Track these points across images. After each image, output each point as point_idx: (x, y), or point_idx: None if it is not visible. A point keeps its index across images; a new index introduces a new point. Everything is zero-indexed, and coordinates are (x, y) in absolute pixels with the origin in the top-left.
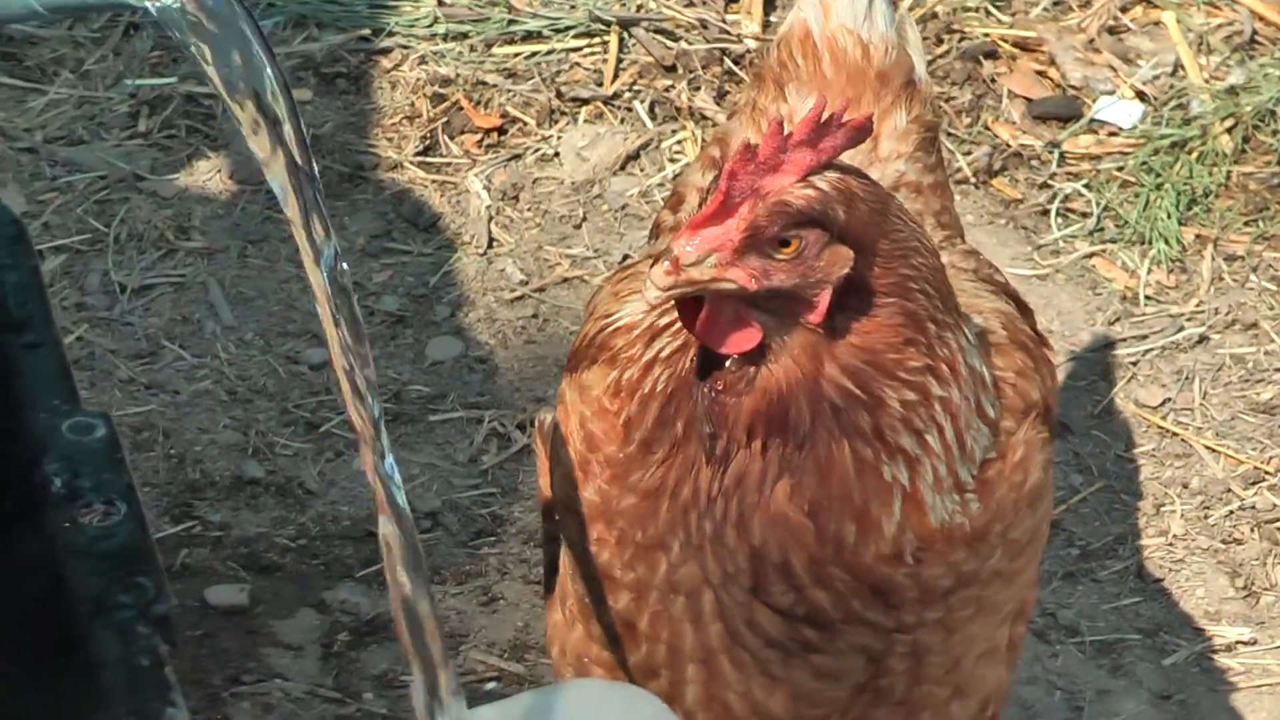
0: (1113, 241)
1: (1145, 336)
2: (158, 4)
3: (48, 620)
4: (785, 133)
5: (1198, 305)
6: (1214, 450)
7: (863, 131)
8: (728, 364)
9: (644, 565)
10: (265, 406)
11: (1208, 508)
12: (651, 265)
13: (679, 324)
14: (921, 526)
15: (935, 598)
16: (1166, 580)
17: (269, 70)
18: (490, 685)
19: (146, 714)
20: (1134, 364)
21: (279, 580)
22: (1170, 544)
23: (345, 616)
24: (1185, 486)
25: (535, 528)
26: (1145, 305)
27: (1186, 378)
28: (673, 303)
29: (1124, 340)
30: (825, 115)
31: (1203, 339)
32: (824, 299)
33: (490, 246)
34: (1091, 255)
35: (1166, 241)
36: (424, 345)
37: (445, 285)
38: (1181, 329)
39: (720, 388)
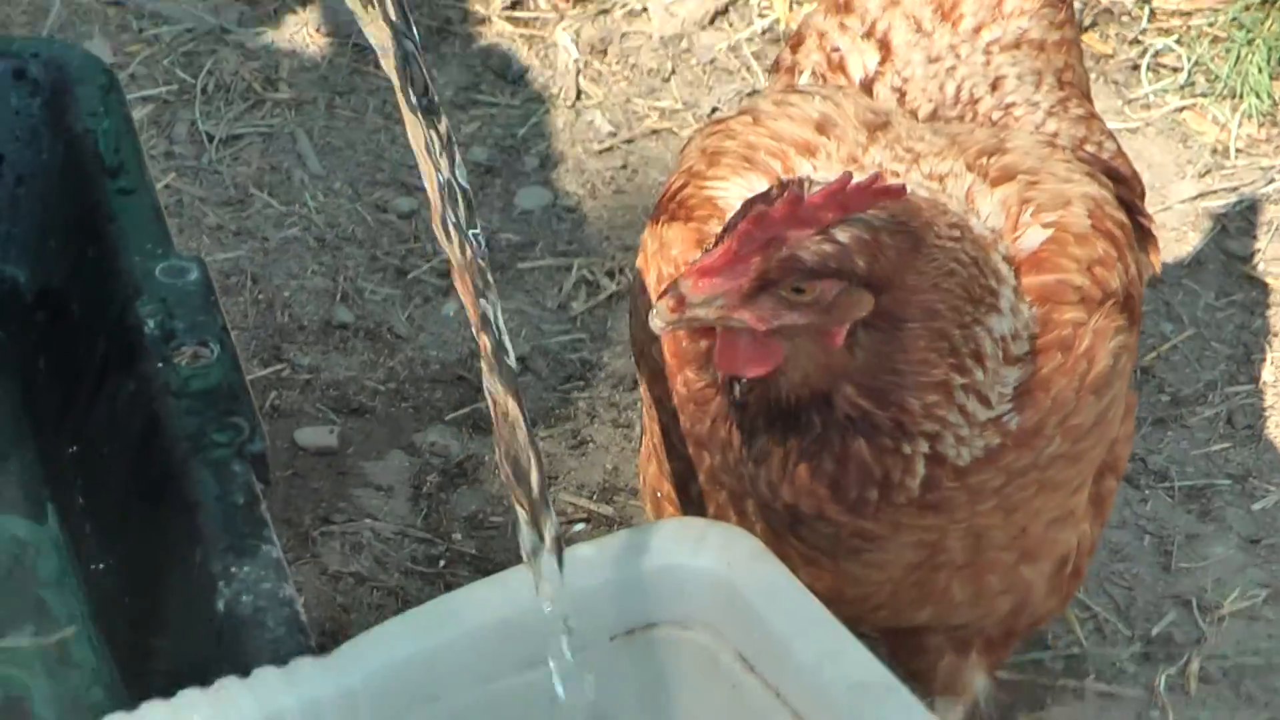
0: (1203, 96)
1: (1235, 189)
2: None
3: (145, 460)
4: (803, 199)
5: None
6: None
7: (894, 194)
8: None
9: (693, 450)
10: (354, 253)
11: None
12: (658, 297)
13: None
14: (952, 470)
15: (988, 496)
16: (1256, 426)
17: None
18: (579, 527)
19: (243, 550)
20: (1224, 216)
21: (369, 422)
22: (1260, 391)
23: (435, 459)
24: (1275, 335)
25: (624, 373)
26: (1236, 158)
27: (1276, 228)
28: None
29: (1214, 192)
30: (848, 186)
31: None
32: (841, 333)
33: (578, 99)
34: (1182, 109)
35: (1258, 95)
36: (513, 195)
37: (534, 137)
38: (1272, 181)
39: (738, 391)
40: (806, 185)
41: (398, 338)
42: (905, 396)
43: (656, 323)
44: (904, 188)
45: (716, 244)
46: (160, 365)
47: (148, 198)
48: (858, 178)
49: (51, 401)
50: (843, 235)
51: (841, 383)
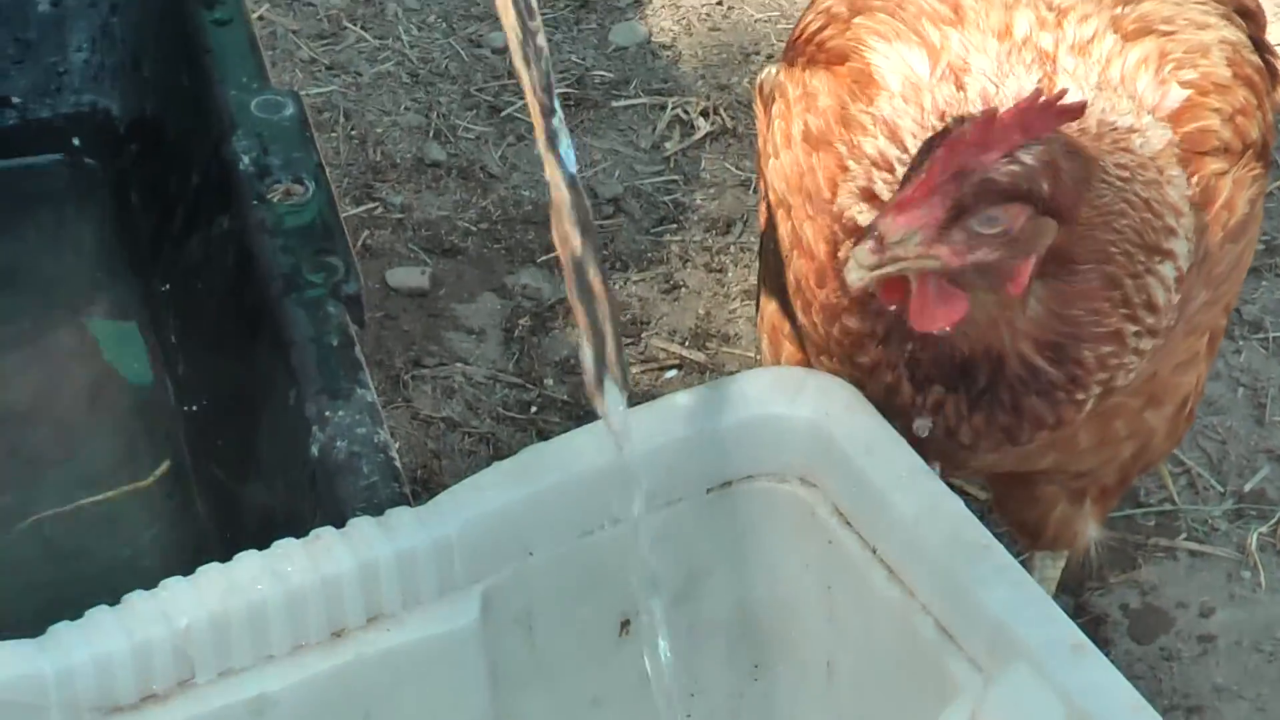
0: None
1: None
2: None
3: (239, 298)
4: (995, 118)
5: None
6: None
7: (1074, 114)
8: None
9: (838, 353)
10: (448, 89)
11: None
12: (855, 244)
13: None
14: (1115, 390)
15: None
16: None
17: None
18: (671, 373)
19: (337, 392)
20: None
21: (461, 263)
22: None
23: (527, 301)
24: None
25: (718, 216)
26: None
27: None
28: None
29: None
30: (1040, 101)
31: None
32: (1026, 270)
33: None
34: None
35: None
36: (607, 30)
37: None
38: None
39: (911, 347)
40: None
41: (491, 176)
42: (1081, 351)
43: (855, 274)
44: (1084, 105)
45: (906, 181)
46: (255, 202)
47: (243, 29)
48: (1042, 98)
49: (144, 235)
50: (1027, 157)
51: (1016, 340)
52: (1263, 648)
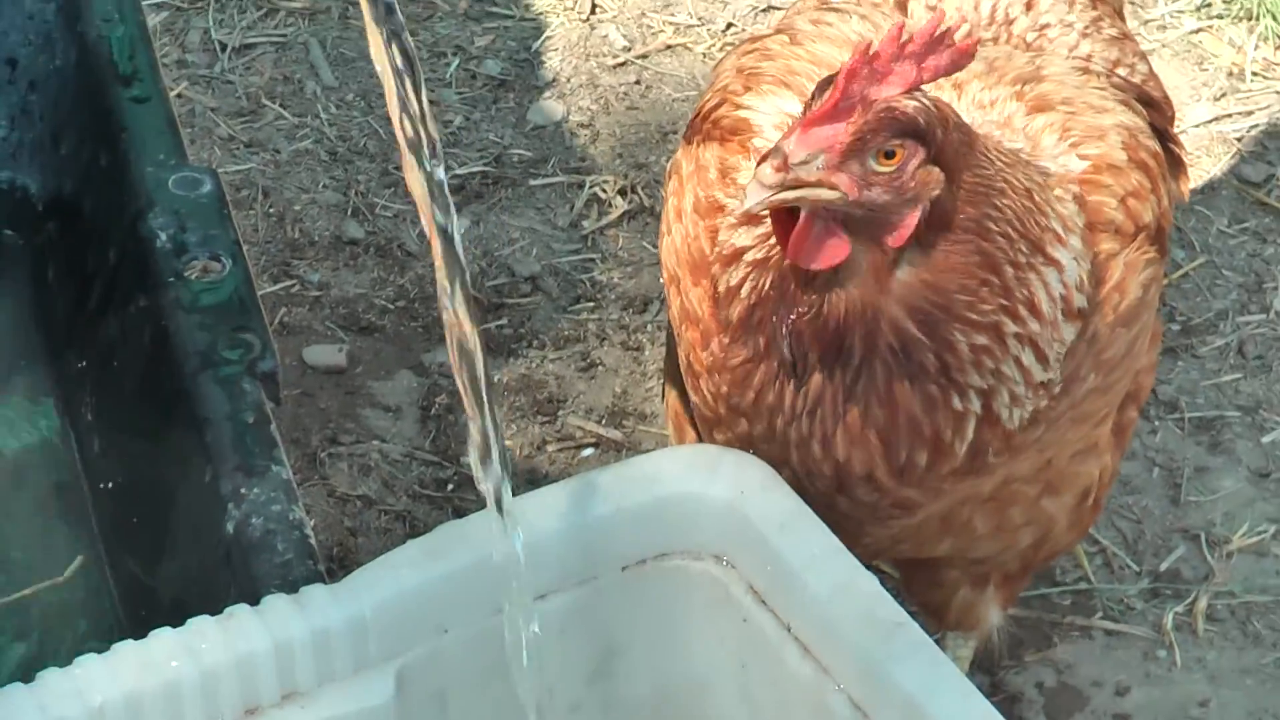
0: (1220, 17)
1: (1251, 113)
2: None
3: (155, 375)
4: (904, 39)
5: None
6: None
7: (966, 57)
8: (801, 289)
9: (725, 414)
10: (366, 167)
11: None
12: (758, 163)
13: (764, 233)
14: (1001, 434)
15: (1028, 449)
16: (1267, 357)
17: None
18: (588, 451)
19: (253, 469)
20: (1239, 140)
21: (378, 341)
22: (1271, 321)
23: (444, 379)
24: None
25: (635, 294)
26: (1252, 81)
27: None
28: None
29: (1229, 117)
30: (941, 30)
31: None
32: (910, 221)
33: (592, 13)
34: (1198, 31)
35: (1274, 17)
36: (525, 109)
37: (547, 50)
38: None
39: (794, 315)
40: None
41: (408, 254)
42: (952, 330)
43: (754, 194)
44: (976, 44)
45: (811, 102)
46: (172, 279)
47: (161, 107)
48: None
49: (61, 313)
50: (925, 99)
51: (889, 302)
52: None
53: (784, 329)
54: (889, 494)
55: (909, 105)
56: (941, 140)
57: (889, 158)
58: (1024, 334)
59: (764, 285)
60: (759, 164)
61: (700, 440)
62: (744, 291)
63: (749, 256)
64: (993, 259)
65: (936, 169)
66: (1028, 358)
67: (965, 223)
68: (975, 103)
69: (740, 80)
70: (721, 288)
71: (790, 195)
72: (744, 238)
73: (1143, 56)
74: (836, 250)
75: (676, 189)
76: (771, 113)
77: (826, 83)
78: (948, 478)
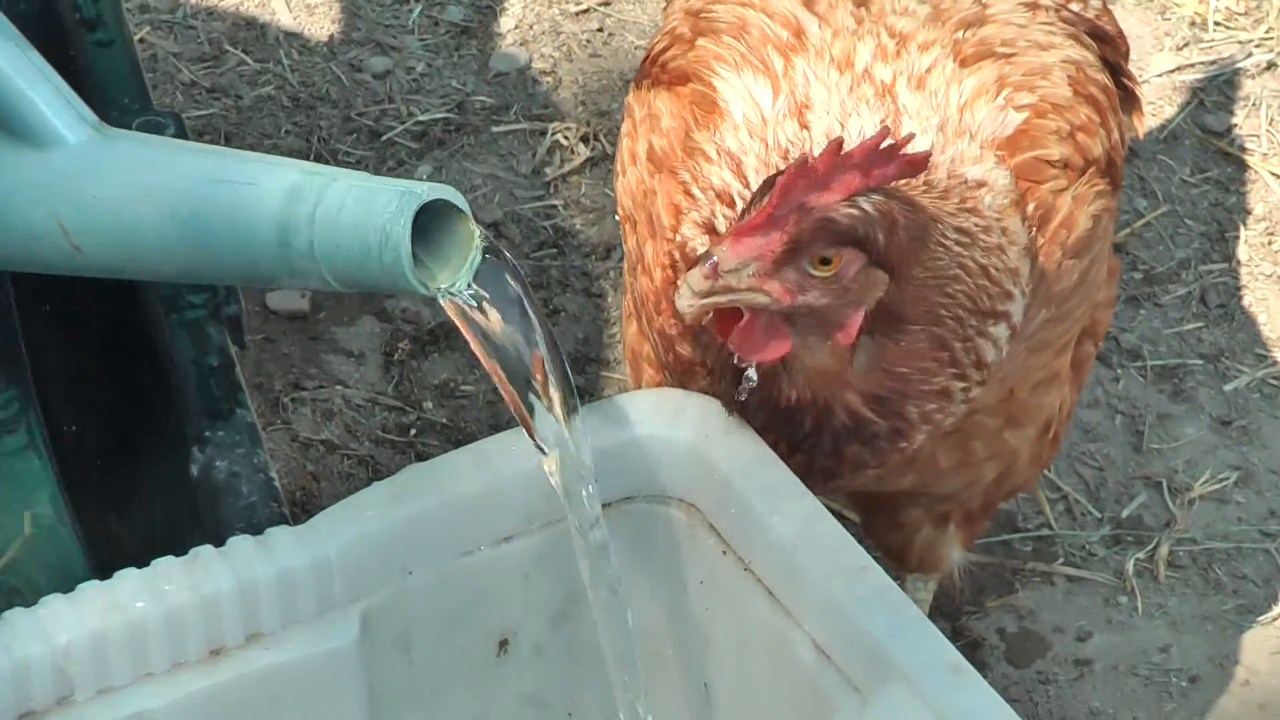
0: None
1: (1213, 62)
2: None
3: (120, 319)
4: (842, 151)
5: (1267, 32)
6: (1279, 177)
7: (918, 165)
8: (747, 371)
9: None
10: (328, 114)
11: (1271, 234)
12: (689, 269)
13: None
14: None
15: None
16: (1229, 305)
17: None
18: None
19: (218, 414)
20: (1201, 90)
21: None
22: (1233, 269)
23: (407, 325)
24: (1249, 213)
25: (597, 241)
26: (1214, 31)
27: (1254, 104)
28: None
29: (1192, 66)
30: (886, 143)
31: (1271, 65)
32: (855, 321)
33: None
34: None
35: None
36: (488, 56)
37: None
38: (1250, 55)
39: (740, 391)
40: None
41: None
42: (906, 406)
43: (685, 299)
44: (928, 156)
45: (745, 212)
46: None
47: (126, 51)
48: (886, 142)
49: None
50: (867, 204)
51: (843, 390)
52: (1139, 672)
53: (732, 390)
54: (842, 484)
55: (845, 215)
56: (884, 245)
57: (825, 264)
58: (970, 384)
59: (710, 339)
60: (690, 268)
61: (660, 378)
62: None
63: None
64: (944, 341)
65: (880, 272)
66: (974, 392)
67: (917, 315)
68: (912, 78)
69: (689, 24)
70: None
71: (723, 300)
72: (703, 245)
73: None
74: (780, 345)
75: (630, 131)
76: (740, 93)
77: (770, 183)
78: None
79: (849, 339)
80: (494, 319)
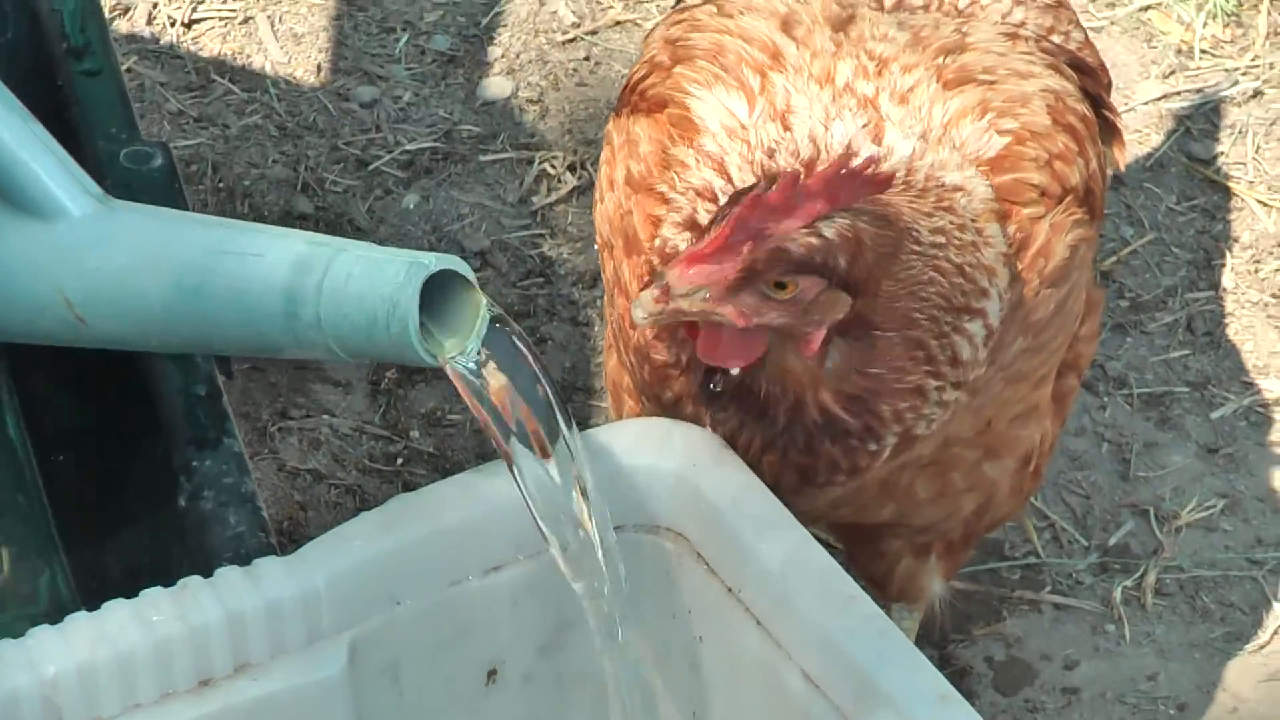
0: None
1: (1199, 90)
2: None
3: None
4: (800, 182)
5: (1253, 60)
6: (1266, 205)
7: (882, 187)
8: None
9: (649, 404)
10: (315, 142)
11: (1258, 261)
12: (642, 289)
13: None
14: (919, 439)
15: (958, 411)
16: (1215, 333)
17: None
18: None
19: (204, 443)
20: (1187, 118)
21: None
22: (1220, 297)
23: None
24: (1236, 240)
25: (584, 270)
26: (1200, 59)
27: (1240, 132)
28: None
29: (1178, 94)
30: (845, 169)
31: (1257, 94)
32: (817, 337)
33: None
34: (1147, 8)
35: None
36: (475, 85)
37: (496, 26)
38: (1236, 83)
39: (712, 384)
40: (799, 176)
41: (358, 230)
42: (879, 404)
43: (639, 314)
44: (892, 176)
45: (706, 232)
46: None
47: (113, 80)
48: (850, 164)
49: None
50: (828, 230)
51: (815, 389)
52: (1126, 700)
53: (708, 382)
54: (820, 490)
55: (802, 244)
56: (846, 268)
57: (782, 288)
58: (946, 383)
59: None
60: (642, 288)
61: (640, 409)
62: None
63: None
64: (919, 340)
65: (843, 294)
66: (948, 394)
67: (889, 322)
68: (894, 94)
69: (668, 52)
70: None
71: (674, 320)
72: (685, 244)
73: (1078, 25)
74: (751, 351)
75: (609, 159)
76: (715, 108)
77: (732, 202)
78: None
79: (810, 352)
80: (500, 386)
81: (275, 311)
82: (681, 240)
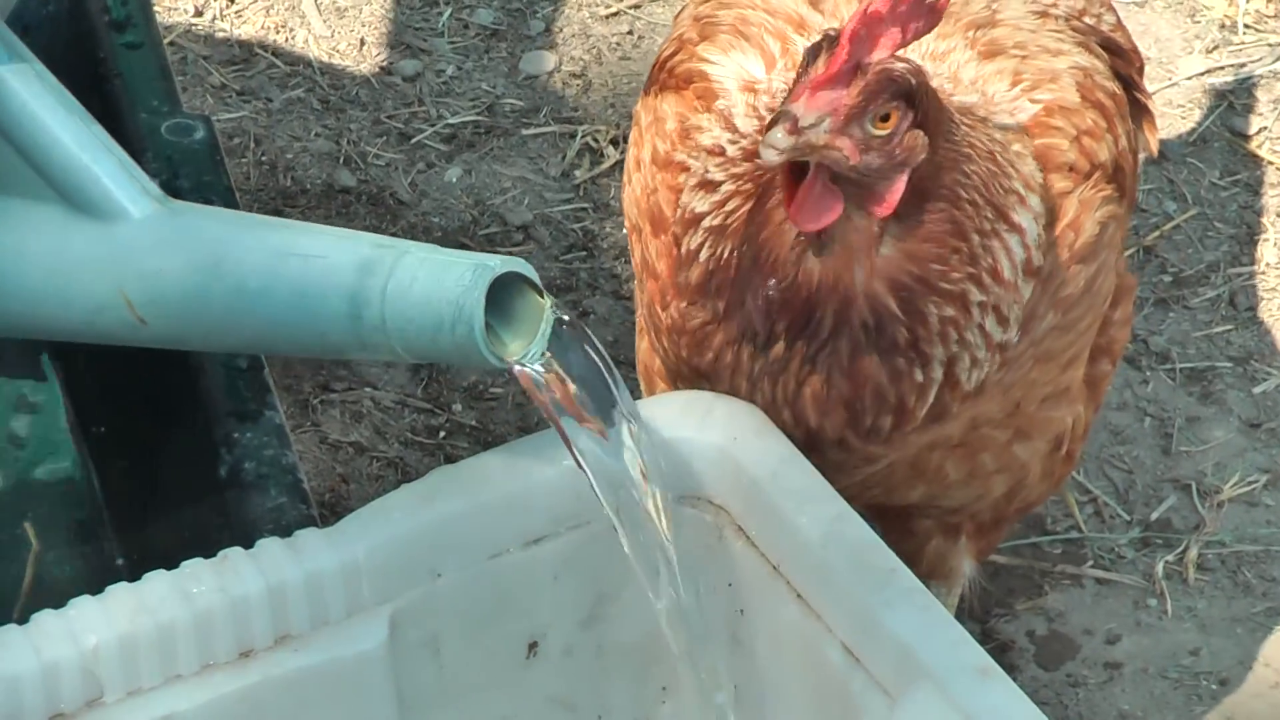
0: None
1: (1243, 65)
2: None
3: None
4: (874, 13)
5: None
6: None
7: (940, 15)
8: (778, 259)
9: (688, 373)
10: (358, 116)
11: None
12: (768, 127)
13: (720, 199)
14: (961, 394)
15: (989, 392)
16: (1258, 308)
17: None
18: None
19: (246, 415)
20: (1230, 92)
21: None
22: (1263, 272)
23: None
24: (1278, 215)
25: (626, 243)
26: (1244, 34)
27: None
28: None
29: (1221, 69)
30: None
31: None
32: (898, 188)
33: None
34: None
35: None
36: (518, 59)
37: (540, 0)
38: (1279, 58)
39: (767, 286)
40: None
41: (400, 203)
42: (926, 304)
43: (770, 155)
44: (946, 3)
45: (799, 79)
46: None
47: (155, 53)
48: None
49: None
50: (911, 61)
51: (870, 275)
52: (1168, 675)
53: (754, 298)
54: (857, 452)
55: (900, 67)
56: (925, 103)
57: (884, 121)
58: (987, 301)
59: (722, 252)
60: (767, 128)
61: (669, 391)
62: (702, 256)
63: (706, 223)
64: (962, 227)
65: (921, 133)
66: (990, 323)
67: (940, 191)
68: (929, 53)
69: (696, 29)
70: (682, 250)
71: (803, 154)
72: (702, 203)
73: (1110, 8)
74: (831, 210)
75: (636, 139)
76: (733, 71)
77: (818, 48)
78: (910, 432)
79: (888, 209)
80: (568, 389)
81: (339, 314)
82: (697, 202)
